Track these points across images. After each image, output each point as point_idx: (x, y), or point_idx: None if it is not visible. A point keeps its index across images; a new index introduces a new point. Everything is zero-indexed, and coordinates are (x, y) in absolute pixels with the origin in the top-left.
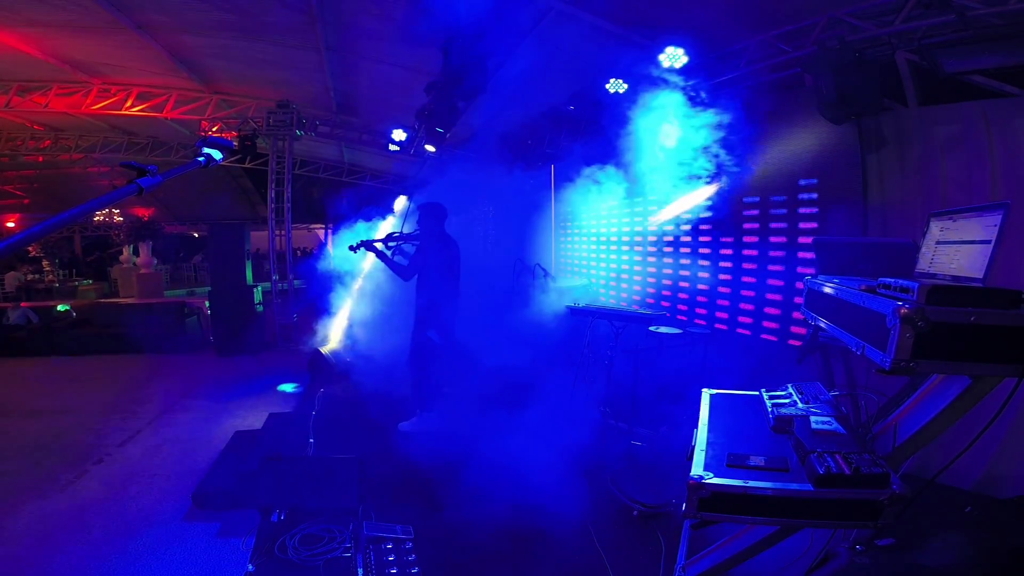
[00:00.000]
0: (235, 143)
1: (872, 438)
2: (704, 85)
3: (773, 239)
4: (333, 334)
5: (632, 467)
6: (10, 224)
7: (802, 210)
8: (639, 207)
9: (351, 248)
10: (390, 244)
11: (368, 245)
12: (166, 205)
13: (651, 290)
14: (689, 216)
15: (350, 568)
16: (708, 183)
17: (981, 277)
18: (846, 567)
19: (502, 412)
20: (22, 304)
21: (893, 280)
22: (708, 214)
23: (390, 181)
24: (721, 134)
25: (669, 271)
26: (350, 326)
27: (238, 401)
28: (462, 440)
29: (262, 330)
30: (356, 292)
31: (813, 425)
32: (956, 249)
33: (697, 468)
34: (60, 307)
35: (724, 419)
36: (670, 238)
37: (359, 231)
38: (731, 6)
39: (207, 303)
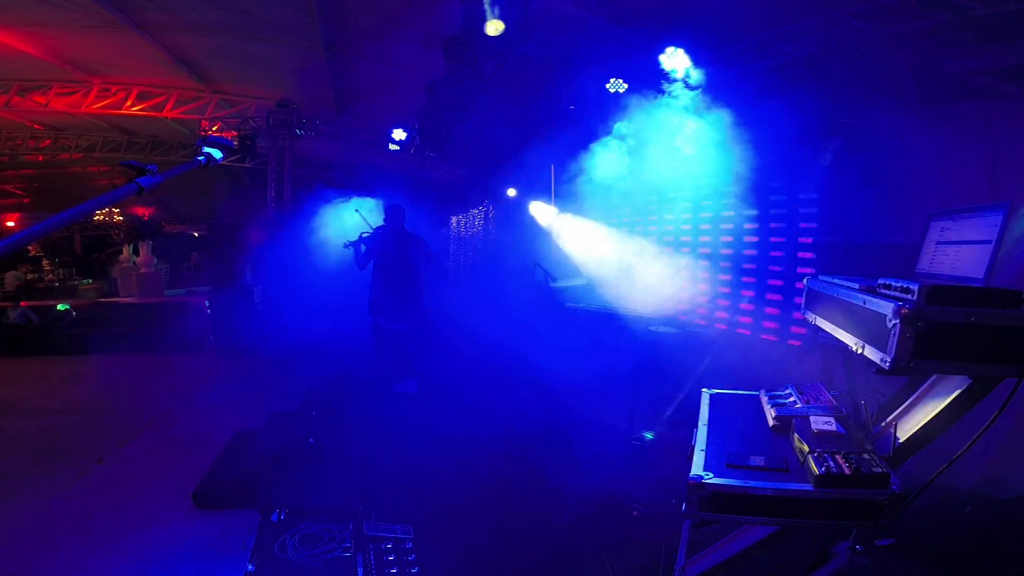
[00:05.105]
0: (235, 142)
1: (872, 438)
2: (704, 85)
3: (773, 239)
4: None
5: (632, 467)
6: (10, 224)
7: (802, 210)
8: (639, 206)
9: (345, 246)
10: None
11: (354, 243)
12: (166, 204)
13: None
14: (689, 215)
15: (350, 568)
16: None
17: (981, 277)
18: (846, 567)
19: (501, 412)
20: (22, 303)
21: (893, 280)
22: (708, 214)
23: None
24: (720, 133)
25: (669, 271)
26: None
27: (238, 401)
28: (459, 439)
29: (262, 329)
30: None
31: (813, 425)
32: (956, 249)
33: (697, 468)
34: (60, 306)
35: (724, 419)
36: (670, 237)
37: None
38: (732, 6)
39: (207, 302)
